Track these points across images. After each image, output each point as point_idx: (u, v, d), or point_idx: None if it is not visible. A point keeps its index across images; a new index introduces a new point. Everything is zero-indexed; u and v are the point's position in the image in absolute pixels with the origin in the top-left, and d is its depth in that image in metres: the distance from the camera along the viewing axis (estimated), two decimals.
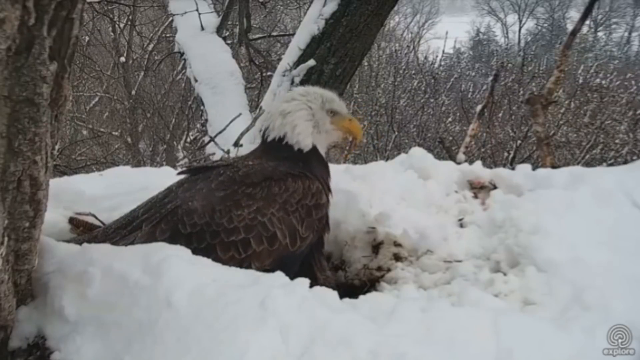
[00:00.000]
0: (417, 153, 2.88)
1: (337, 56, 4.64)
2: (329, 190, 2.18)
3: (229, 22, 8.03)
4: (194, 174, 2.13)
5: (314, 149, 2.16)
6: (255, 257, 1.92)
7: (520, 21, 40.23)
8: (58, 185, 2.40)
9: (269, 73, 6.78)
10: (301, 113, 2.13)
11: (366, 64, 13.80)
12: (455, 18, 42.58)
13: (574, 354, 1.49)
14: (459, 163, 3.21)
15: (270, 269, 1.73)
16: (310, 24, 4.72)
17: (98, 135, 12.89)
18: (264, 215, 1.94)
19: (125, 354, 1.45)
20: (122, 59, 13.36)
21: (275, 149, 2.14)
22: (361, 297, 1.85)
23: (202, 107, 6.47)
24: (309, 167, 2.11)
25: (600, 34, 36.84)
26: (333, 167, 2.32)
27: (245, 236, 1.91)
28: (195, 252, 1.76)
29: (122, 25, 12.95)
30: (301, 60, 4.75)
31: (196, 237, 1.89)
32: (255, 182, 1.98)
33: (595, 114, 11.20)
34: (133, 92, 13.62)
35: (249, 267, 1.87)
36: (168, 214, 1.94)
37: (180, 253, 1.70)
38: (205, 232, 1.89)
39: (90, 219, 2.39)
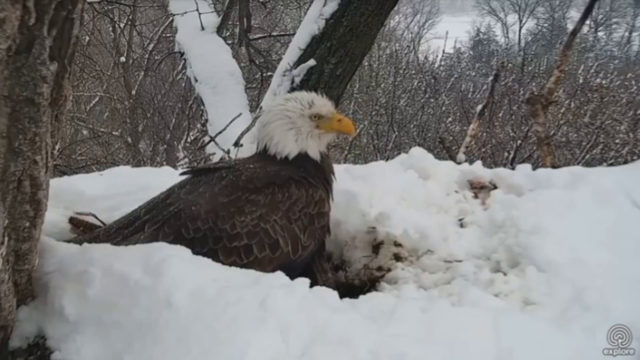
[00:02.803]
0: (417, 153, 2.88)
1: (337, 56, 4.62)
2: (331, 195, 2.17)
3: (229, 22, 8.02)
4: (195, 176, 2.13)
5: (306, 155, 2.14)
6: (257, 264, 1.92)
7: (521, 21, 40.19)
8: (58, 185, 2.40)
9: (269, 73, 6.78)
10: (277, 123, 2.13)
11: (366, 64, 13.78)
12: (455, 18, 42.58)
13: (574, 354, 1.49)
14: (459, 163, 3.21)
15: None
16: (310, 24, 4.71)
17: (98, 135, 12.86)
18: (266, 222, 1.94)
19: (126, 354, 1.45)
20: (122, 59, 13.34)
21: (268, 157, 2.14)
22: (361, 297, 1.85)
23: (202, 107, 6.46)
24: (308, 171, 2.11)
25: (600, 33, 36.85)
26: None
27: (248, 242, 1.92)
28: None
29: (122, 25, 12.92)
30: (301, 60, 4.74)
31: (199, 241, 1.89)
32: (258, 187, 1.98)
33: (596, 114, 11.19)
34: (133, 92, 13.60)
35: None
36: (171, 217, 1.94)
37: (180, 253, 1.70)
38: (208, 237, 1.90)
39: (91, 219, 2.39)
